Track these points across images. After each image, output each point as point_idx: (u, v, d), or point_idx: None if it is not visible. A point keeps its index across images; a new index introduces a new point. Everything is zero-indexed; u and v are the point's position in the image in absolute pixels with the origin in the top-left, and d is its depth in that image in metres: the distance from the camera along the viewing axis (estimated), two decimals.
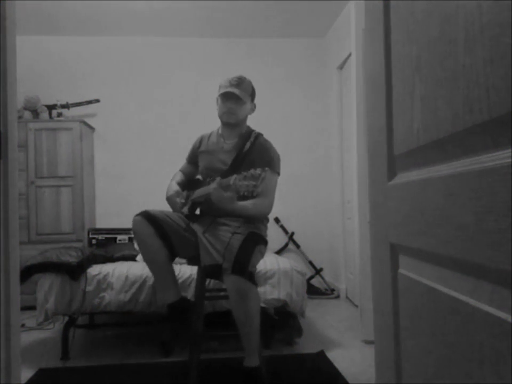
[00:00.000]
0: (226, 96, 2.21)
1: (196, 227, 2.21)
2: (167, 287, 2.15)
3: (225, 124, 2.28)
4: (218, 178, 1.96)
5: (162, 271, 2.15)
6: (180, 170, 2.48)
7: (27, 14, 3.89)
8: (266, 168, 1.84)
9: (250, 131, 2.33)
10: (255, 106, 2.35)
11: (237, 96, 2.20)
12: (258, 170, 1.78)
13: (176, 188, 2.27)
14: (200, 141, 2.41)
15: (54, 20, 4.12)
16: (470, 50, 0.52)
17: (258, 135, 2.31)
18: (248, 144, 2.25)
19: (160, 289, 2.19)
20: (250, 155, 2.21)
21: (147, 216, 2.11)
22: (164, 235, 2.10)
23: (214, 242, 2.08)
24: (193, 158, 2.43)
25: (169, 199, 2.25)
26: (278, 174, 2.24)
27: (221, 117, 2.27)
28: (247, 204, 2.09)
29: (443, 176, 0.60)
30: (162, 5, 3.87)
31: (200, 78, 4.53)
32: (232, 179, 1.83)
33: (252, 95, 2.31)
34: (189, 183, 2.41)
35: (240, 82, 2.22)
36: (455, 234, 0.55)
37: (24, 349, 2.69)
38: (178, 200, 2.22)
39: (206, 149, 2.35)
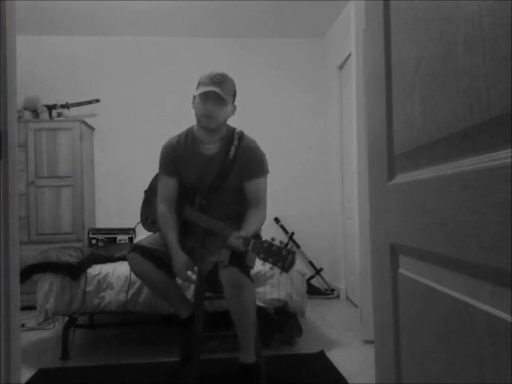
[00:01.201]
0: (207, 96, 1.98)
1: (190, 242, 2.18)
2: (179, 306, 2.20)
3: (203, 129, 2.06)
4: (236, 234, 1.88)
5: (170, 295, 2.20)
6: (164, 205, 2.12)
7: (27, 14, 3.89)
8: (292, 249, 1.78)
9: (231, 131, 2.13)
10: (235, 108, 2.12)
11: (219, 97, 1.97)
12: (284, 251, 1.75)
13: (183, 257, 2.04)
14: (173, 148, 2.14)
15: (54, 20, 4.12)
16: (470, 50, 0.52)
17: (242, 136, 2.12)
18: (233, 149, 2.07)
19: (176, 308, 2.24)
20: (238, 160, 2.07)
21: (142, 251, 2.10)
22: (163, 265, 2.10)
23: (215, 247, 2.08)
24: (173, 169, 2.13)
25: (179, 273, 2.05)
26: (268, 173, 2.16)
27: (199, 119, 2.04)
28: (257, 226, 2.07)
29: (443, 176, 0.60)
30: (162, 5, 3.87)
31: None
32: (251, 245, 1.82)
33: (234, 95, 2.08)
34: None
35: (223, 80, 1.99)
36: (455, 234, 0.55)
37: (24, 349, 2.69)
38: (189, 273, 2.07)
39: (184, 156, 2.11)
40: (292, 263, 1.75)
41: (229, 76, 2.04)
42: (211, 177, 2.10)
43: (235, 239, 1.87)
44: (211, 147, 2.10)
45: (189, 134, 2.15)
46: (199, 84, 2.05)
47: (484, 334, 0.51)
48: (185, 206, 2.15)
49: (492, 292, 0.50)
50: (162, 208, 2.14)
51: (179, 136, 2.17)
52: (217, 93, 1.96)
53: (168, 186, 2.15)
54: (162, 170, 2.17)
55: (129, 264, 2.15)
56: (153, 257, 2.09)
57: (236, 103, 2.14)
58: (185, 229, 2.17)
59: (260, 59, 4.62)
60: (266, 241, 1.81)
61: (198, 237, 2.14)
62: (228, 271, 1.92)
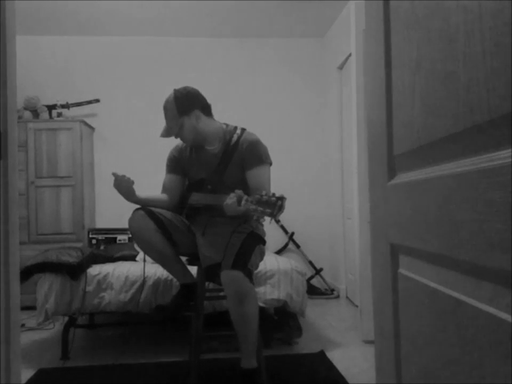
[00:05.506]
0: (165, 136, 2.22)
1: (194, 228, 2.19)
2: (181, 274, 2.18)
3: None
4: (232, 195, 1.87)
5: (170, 262, 2.15)
6: (162, 192, 2.30)
7: (27, 14, 3.89)
8: (282, 195, 1.77)
9: (232, 130, 2.23)
10: (198, 113, 2.16)
11: (167, 132, 2.19)
12: (274, 198, 1.74)
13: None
14: (180, 150, 2.31)
15: (54, 20, 4.12)
16: (470, 50, 0.52)
17: (242, 131, 2.22)
18: (234, 138, 2.18)
19: (174, 276, 2.23)
20: (238, 150, 2.15)
21: (147, 211, 2.08)
22: (165, 231, 2.07)
23: (214, 242, 2.07)
24: (178, 167, 2.29)
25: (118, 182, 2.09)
26: (270, 164, 2.19)
27: None
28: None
29: (443, 176, 0.60)
30: (162, 5, 3.87)
31: (200, 78, 4.52)
32: (243, 200, 1.80)
33: (182, 109, 2.15)
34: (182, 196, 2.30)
35: (165, 111, 2.20)
36: (455, 234, 0.55)
37: (24, 349, 2.69)
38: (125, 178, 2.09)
39: (189, 157, 2.26)
40: (281, 208, 1.75)
41: (169, 99, 2.20)
42: (214, 167, 2.18)
43: (229, 199, 1.87)
44: (213, 148, 2.23)
45: None
46: None
47: (484, 334, 0.51)
48: (192, 193, 2.23)
49: (492, 292, 0.50)
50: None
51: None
52: (162, 135, 2.20)
53: (170, 182, 2.29)
54: (167, 169, 2.33)
55: (131, 221, 2.07)
56: (157, 221, 2.06)
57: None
58: (190, 216, 2.21)
59: (259, 59, 4.62)
60: (258, 194, 1.80)
61: (201, 224, 2.17)
62: (231, 274, 1.91)
